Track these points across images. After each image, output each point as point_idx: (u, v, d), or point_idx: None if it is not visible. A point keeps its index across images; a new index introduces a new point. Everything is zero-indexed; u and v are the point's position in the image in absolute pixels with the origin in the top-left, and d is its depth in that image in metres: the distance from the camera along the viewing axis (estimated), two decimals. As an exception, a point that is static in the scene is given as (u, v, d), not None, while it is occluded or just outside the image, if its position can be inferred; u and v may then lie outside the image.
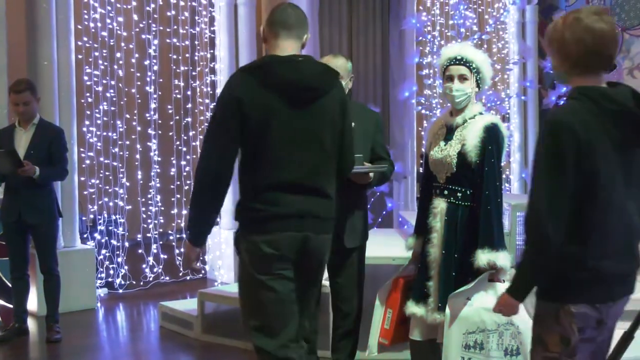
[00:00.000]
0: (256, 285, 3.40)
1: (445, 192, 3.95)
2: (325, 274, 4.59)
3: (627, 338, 2.63)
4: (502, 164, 3.94)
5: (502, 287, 3.66)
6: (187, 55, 8.43)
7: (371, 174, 4.29)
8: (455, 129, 3.95)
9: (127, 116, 8.10)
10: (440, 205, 3.96)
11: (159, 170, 8.26)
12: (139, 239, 8.21)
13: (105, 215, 8.01)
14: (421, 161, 9.88)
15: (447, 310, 3.77)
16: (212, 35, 8.34)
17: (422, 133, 9.79)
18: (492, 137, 3.82)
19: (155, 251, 8.11)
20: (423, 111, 9.05)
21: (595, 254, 2.66)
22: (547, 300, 2.74)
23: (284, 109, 3.35)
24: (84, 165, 7.66)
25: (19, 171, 5.76)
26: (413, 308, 3.99)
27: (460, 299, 3.76)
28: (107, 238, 7.88)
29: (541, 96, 10.33)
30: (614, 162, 2.65)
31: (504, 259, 3.74)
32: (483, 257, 3.74)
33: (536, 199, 2.64)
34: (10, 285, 6.31)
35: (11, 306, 6.33)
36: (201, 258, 3.85)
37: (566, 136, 2.59)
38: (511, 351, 3.71)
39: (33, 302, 6.66)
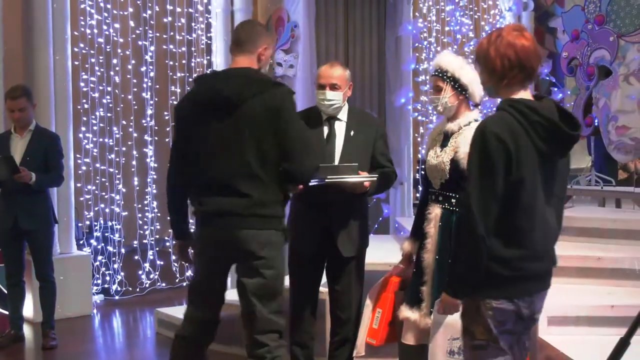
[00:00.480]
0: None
1: (440, 198, 3.96)
2: (324, 280, 4.61)
3: (623, 345, 2.63)
4: None
5: None
6: (183, 61, 8.43)
7: (366, 184, 4.29)
8: (451, 136, 3.96)
9: (124, 122, 8.10)
10: (435, 211, 3.97)
11: (155, 177, 8.25)
12: (135, 246, 8.20)
13: (102, 222, 8.00)
14: (418, 167, 9.89)
15: (433, 315, 3.79)
16: (209, 42, 8.35)
17: (419, 139, 9.79)
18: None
19: (151, 257, 8.10)
20: (419, 117, 9.06)
21: (518, 255, 2.90)
22: (470, 297, 2.97)
23: (204, 120, 3.79)
24: (80, 172, 7.65)
25: (16, 177, 5.76)
26: (406, 312, 4.00)
27: None
28: (103, 244, 7.87)
29: (537, 102, 10.33)
30: (538, 171, 2.88)
31: None
32: None
33: (469, 202, 2.85)
34: (5, 292, 6.30)
35: (7, 313, 6.32)
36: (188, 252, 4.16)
37: (495, 144, 2.80)
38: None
39: (29, 308, 6.65)
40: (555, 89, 9.29)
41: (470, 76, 3.92)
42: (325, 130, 4.46)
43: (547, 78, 9.46)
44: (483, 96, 4.03)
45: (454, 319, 3.69)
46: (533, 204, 2.89)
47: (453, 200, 3.91)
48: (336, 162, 4.37)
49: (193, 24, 8.39)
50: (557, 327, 4.47)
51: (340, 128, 4.47)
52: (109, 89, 7.90)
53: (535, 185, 2.88)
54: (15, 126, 6.08)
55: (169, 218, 4.12)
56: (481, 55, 2.98)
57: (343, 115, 4.49)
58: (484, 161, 2.83)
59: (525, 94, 2.94)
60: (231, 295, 5.31)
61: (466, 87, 3.92)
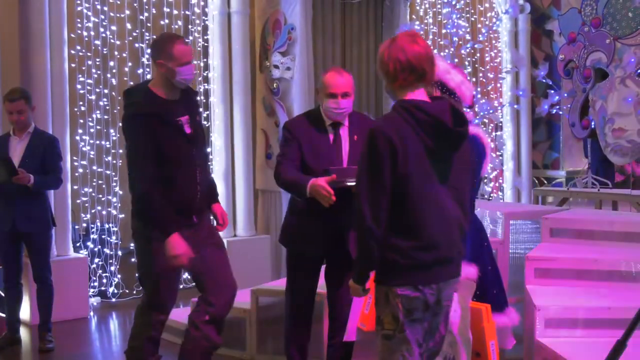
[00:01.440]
0: None
1: None
2: (322, 281, 4.62)
3: (620, 347, 2.64)
4: (481, 175, 3.93)
5: (455, 296, 3.70)
6: (180, 64, 8.42)
7: None
8: None
9: (120, 125, 8.08)
10: None
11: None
12: (132, 248, 8.18)
13: (99, 224, 7.99)
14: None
15: None
16: (206, 44, 8.35)
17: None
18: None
19: (148, 260, 8.08)
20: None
21: (414, 243, 3.12)
22: (379, 285, 3.19)
23: None
24: (77, 174, 7.64)
25: (14, 179, 5.76)
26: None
27: None
28: (100, 247, 7.85)
29: (534, 105, 10.37)
30: (429, 165, 3.12)
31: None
32: None
33: (360, 196, 3.09)
34: (2, 294, 6.29)
35: (4, 315, 6.31)
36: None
37: (382, 142, 3.05)
38: (448, 359, 3.73)
39: (26, 311, 6.65)
40: (552, 91, 9.30)
41: (456, 80, 3.94)
42: (331, 136, 4.45)
43: (544, 80, 9.47)
44: (476, 98, 4.05)
45: None
46: (425, 197, 3.12)
47: None
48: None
49: (190, 27, 8.39)
50: (553, 329, 4.47)
51: (344, 133, 4.47)
52: (106, 91, 7.89)
53: (425, 179, 3.11)
54: (14, 128, 6.08)
55: None
56: (379, 59, 3.26)
57: (344, 119, 4.48)
58: (373, 158, 3.07)
59: (419, 95, 3.17)
60: (236, 302, 5.33)
61: (453, 91, 3.93)
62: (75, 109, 7.60)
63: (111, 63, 7.90)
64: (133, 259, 7.99)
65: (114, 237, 7.93)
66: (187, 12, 8.36)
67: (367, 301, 4.20)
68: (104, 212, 7.94)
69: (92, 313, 7.26)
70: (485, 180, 10.13)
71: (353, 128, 4.47)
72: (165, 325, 6.22)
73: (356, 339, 4.27)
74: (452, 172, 3.20)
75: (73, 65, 7.49)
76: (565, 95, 8.43)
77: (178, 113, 4.31)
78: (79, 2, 7.59)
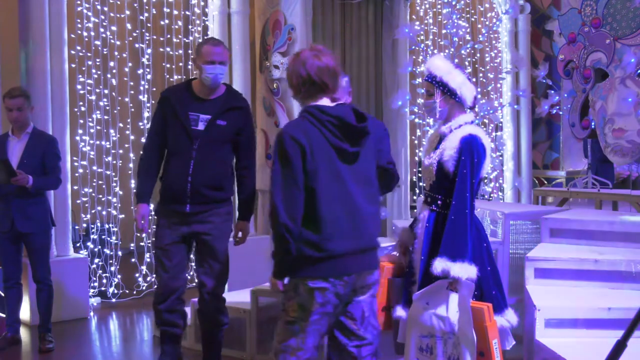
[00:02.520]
0: None
1: (429, 199, 4.02)
2: None
3: (620, 347, 2.63)
4: (481, 176, 3.93)
5: (455, 296, 3.72)
6: (180, 64, 8.43)
7: None
8: (443, 138, 4.00)
9: (121, 125, 8.10)
10: (424, 212, 4.02)
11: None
12: (132, 248, 8.20)
13: (99, 224, 8.00)
14: (415, 169, 9.91)
15: (409, 312, 3.89)
16: (206, 44, 8.35)
17: (415, 142, 9.81)
18: (466, 149, 3.83)
19: (148, 260, 8.09)
20: (416, 120, 9.07)
21: (324, 237, 3.34)
22: (291, 277, 3.42)
23: None
24: (77, 174, 7.64)
25: (12, 180, 5.76)
26: (400, 312, 4.04)
27: (420, 303, 3.84)
28: (100, 247, 7.86)
29: (534, 105, 10.37)
30: (337, 162, 3.38)
31: (459, 270, 3.72)
32: (439, 265, 3.76)
33: (274, 195, 3.34)
34: (2, 294, 6.29)
35: (3, 315, 6.31)
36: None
37: (290, 143, 3.33)
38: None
39: (26, 311, 6.65)
40: (552, 91, 9.30)
41: (458, 80, 3.96)
42: None
43: (544, 81, 9.47)
44: (476, 99, 4.06)
45: (423, 317, 3.77)
46: (333, 191, 3.37)
47: (439, 202, 3.96)
48: None
49: (190, 27, 8.40)
50: (553, 329, 4.47)
51: None
52: (106, 91, 7.90)
53: (333, 175, 3.37)
54: (13, 128, 6.08)
55: None
56: (286, 71, 3.58)
57: None
58: (283, 158, 3.34)
59: (324, 102, 3.48)
60: (230, 297, 5.33)
61: (455, 91, 3.94)
62: (75, 109, 7.60)
63: (111, 63, 7.91)
64: (133, 259, 8.04)
65: (114, 238, 7.94)
66: (187, 13, 8.37)
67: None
68: (104, 213, 7.94)
69: (92, 313, 7.26)
70: (486, 181, 10.13)
71: None
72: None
73: None
74: (362, 169, 3.46)
75: (73, 65, 7.50)
76: (565, 95, 8.42)
77: (196, 109, 4.83)
78: (79, 2, 7.59)
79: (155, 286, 5.22)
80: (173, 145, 4.89)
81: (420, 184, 9.27)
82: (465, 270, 3.72)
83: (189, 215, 4.86)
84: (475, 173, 3.83)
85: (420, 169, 4.26)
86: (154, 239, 5.16)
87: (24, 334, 6.46)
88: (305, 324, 3.40)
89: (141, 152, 5.11)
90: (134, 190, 5.03)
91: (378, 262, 3.61)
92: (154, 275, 7.94)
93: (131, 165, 8.18)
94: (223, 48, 4.91)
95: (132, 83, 8.13)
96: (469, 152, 3.83)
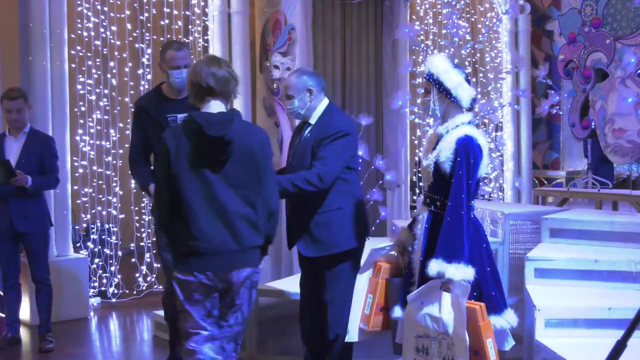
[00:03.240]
0: None
1: (428, 200, 4.01)
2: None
3: (620, 347, 2.63)
4: (479, 176, 3.92)
5: (448, 297, 3.71)
6: (180, 64, 8.42)
7: None
8: (440, 139, 3.99)
9: (121, 125, 8.09)
10: (423, 213, 4.01)
11: (152, 179, 8.23)
12: (132, 248, 8.19)
13: (99, 224, 7.99)
14: (415, 169, 9.91)
15: (405, 312, 3.91)
16: (206, 45, 8.35)
17: (415, 142, 9.81)
18: (462, 150, 3.81)
19: (148, 260, 8.09)
20: (416, 120, 9.07)
21: (189, 234, 3.68)
22: (171, 270, 3.82)
23: None
24: (77, 174, 7.64)
25: (12, 181, 5.76)
26: (397, 312, 4.04)
27: (415, 303, 3.84)
28: (100, 247, 7.86)
29: (534, 105, 10.36)
30: (204, 166, 3.68)
31: (454, 272, 3.70)
32: (434, 266, 3.75)
33: (154, 195, 3.91)
34: (2, 294, 6.29)
35: (3, 315, 6.31)
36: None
37: (163, 149, 3.73)
38: None
39: (26, 311, 6.65)
40: (552, 91, 9.30)
41: (455, 80, 3.94)
42: (297, 136, 4.72)
43: (544, 81, 9.47)
44: (475, 100, 4.05)
45: (418, 318, 3.80)
46: (199, 194, 3.67)
47: (438, 203, 3.94)
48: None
49: (190, 27, 8.39)
50: (553, 329, 4.47)
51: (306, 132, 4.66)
52: (106, 91, 7.90)
53: (199, 179, 3.67)
54: (10, 128, 6.09)
55: None
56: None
57: (313, 119, 4.64)
58: (157, 161, 3.77)
59: (211, 107, 3.80)
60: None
61: (450, 90, 3.94)
62: (76, 109, 7.60)
63: (111, 63, 7.91)
64: (133, 259, 8.04)
65: (114, 238, 7.93)
66: (187, 13, 8.37)
67: (366, 301, 4.21)
68: (104, 213, 7.94)
69: (92, 313, 7.25)
70: (486, 181, 10.13)
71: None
72: (163, 326, 6.26)
73: (359, 340, 4.28)
74: (233, 172, 3.71)
75: (73, 65, 7.50)
76: (566, 95, 8.43)
77: (172, 110, 4.93)
78: (79, 2, 7.59)
79: (161, 286, 5.25)
80: (153, 145, 4.95)
81: (420, 184, 9.27)
82: (461, 272, 3.71)
83: None
84: (471, 174, 3.82)
85: (420, 169, 4.24)
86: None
87: (24, 334, 6.46)
88: (186, 311, 3.76)
89: (129, 160, 5.15)
90: (133, 186, 5.08)
91: (251, 260, 3.82)
92: (154, 276, 7.95)
93: (131, 165, 8.17)
94: (186, 51, 5.04)
95: (132, 83, 8.13)
96: (464, 152, 3.82)
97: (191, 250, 3.70)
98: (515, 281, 5.79)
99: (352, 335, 4.24)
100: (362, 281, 4.25)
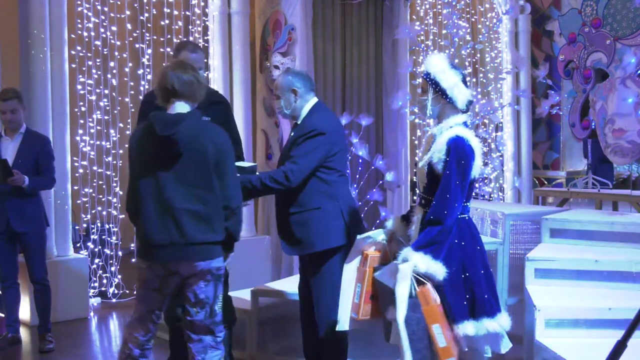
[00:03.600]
0: None
1: (423, 201, 3.99)
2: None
3: (620, 347, 2.63)
4: (471, 178, 3.91)
5: (403, 281, 3.71)
6: (180, 64, 8.42)
7: None
8: (435, 140, 3.99)
9: (121, 125, 8.09)
10: (417, 214, 4.01)
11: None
12: (132, 248, 8.19)
13: (99, 224, 8.00)
14: (414, 169, 9.90)
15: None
16: (206, 45, 8.35)
17: (415, 142, 9.81)
18: (451, 150, 3.79)
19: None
20: (416, 120, 9.07)
21: (142, 228, 4.00)
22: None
23: None
24: (77, 175, 7.64)
25: (9, 181, 5.77)
26: (392, 314, 4.02)
27: (384, 284, 3.89)
28: (100, 247, 7.86)
29: (534, 105, 10.36)
30: (155, 164, 3.95)
31: (417, 259, 3.70)
32: (403, 253, 3.77)
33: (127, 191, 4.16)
34: (1, 294, 6.30)
35: (3, 315, 6.32)
36: None
37: (129, 147, 4.10)
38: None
39: (25, 311, 6.65)
40: (552, 91, 9.30)
41: (450, 81, 3.92)
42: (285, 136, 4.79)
43: (544, 81, 9.48)
44: (472, 103, 4.05)
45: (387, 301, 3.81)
46: (149, 190, 3.95)
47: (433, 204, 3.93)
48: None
49: (190, 27, 8.39)
50: (554, 329, 4.47)
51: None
52: (106, 91, 7.90)
53: (150, 176, 3.95)
54: (6, 129, 6.10)
55: None
56: None
57: (300, 119, 4.69)
58: (129, 159, 4.09)
59: (175, 109, 4.02)
60: (236, 303, 5.34)
61: (445, 91, 3.93)
62: (76, 110, 7.61)
63: (111, 63, 7.91)
64: (133, 259, 8.02)
65: (114, 238, 7.93)
66: (187, 13, 8.37)
67: (356, 290, 4.18)
68: (104, 213, 7.94)
69: (92, 313, 7.26)
70: (486, 181, 10.13)
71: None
72: (163, 326, 6.26)
73: (350, 328, 4.26)
74: (185, 171, 3.94)
75: (73, 65, 7.50)
76: (566, 95, 8.43)
77: None
78: (79, 2, 7.59)
79: None
80: None
81: (421, 184, 9.25)
82: (425, 262, 3.69)
83: None
84: (461, 174, 3.80)
85: (416, 170, 4.23)
86: None
87: (24, 334, 6.46)
88: (141, 298, 4.11)
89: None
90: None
91: (203, 254, 3.99)
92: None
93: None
94: (200, 53, 5.05)
95: (132, 83, 8.13)
96: (455, 153, 3.80)
97: (143, 241, 4.03)
98: (516, 281, 5.79)
99: (343, 324, 4.22)
100: (351, 270, 4.24)
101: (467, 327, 3.82)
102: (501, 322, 3.92)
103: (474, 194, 4.30)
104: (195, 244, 3.97)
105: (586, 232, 5.50)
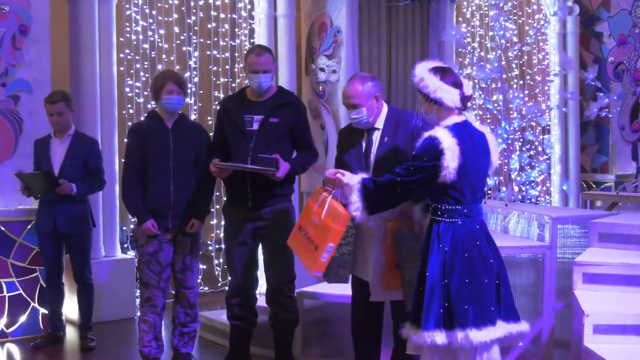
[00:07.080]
0: None
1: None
2: None
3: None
4: (447, 178, 3.92)
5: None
6: (227, 67, 8.48)
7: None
8: None
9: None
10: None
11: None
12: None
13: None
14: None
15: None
16: (252, 47, 8.39)
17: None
18: (420, 145, 3.96)
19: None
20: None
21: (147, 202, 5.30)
22: None
23: None
24: (125, 176, 7.72)
25: (57, 190, 5.88)
26: (407, 331, 4.06)
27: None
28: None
29: (582, 108, 10.23)
30: (160, 153, 5.29)
31: (349, 178, 4.07)
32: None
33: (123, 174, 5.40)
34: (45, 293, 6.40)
35: (46, 312, 6.41)
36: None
37: (132, 136, 5.43)
38: None
39: (70, 310, 6.74)
40: (601, 94, 9.17)
41: (432, 85, 4.01)
42: (364, 143, 4.66)
43: (593, 83, 9.34)
44: (466, 98, 4.05)
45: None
46: (158, 172, 5.26)
47: (439, 212, 4.00)
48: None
49: (236, 30, 8.44)
50: (602, 335, 4.41)
51: (376, 137, 4.65)
52: (154, 94, 7.97)
53: (157, 159, 5.29)
54: (55, 130, 6.19)
55: None
56: None
57: (380, 123, 4.65)
58: (127, 150, 5.40)
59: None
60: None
61: (429, 95, 3.99)
62: (124, 112, 7.69)
63: (159, 66, 7.98)
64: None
65: (161, 239, 7.98)
66: (233, 16, 8.42)
67: (325, 249, 4.12)
68: (151, 214, 8.00)
69: (138, 314, 7.32)
70: (533, 184, 10.02)
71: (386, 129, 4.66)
72: (208, 327, 6.29)
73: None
74: (179, 157, 5.25)
75: (122, 68, 7.59)
76: (615, 98, 8.31)
77: (249, 111, 5.18)
78: (127, 6, 7.68)
79: (229, 279, 5.44)
80: (233, 146, 5.20)
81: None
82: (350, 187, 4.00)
83: (252, 210, 5.17)
84: (482, 169, 3.97)
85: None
86: (222, 235, 5.68)
87: (70, 332, 6.55)
88: (140, 252, 5.34)
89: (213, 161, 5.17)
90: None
91: (185, 223, 5.29)
92: (199, 277, 8.00)
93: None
94: (267, 56, 5.11)
95: (179, 86, 8.18)
96: (420, 148, 3.96)
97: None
98: (563, 286, 5.72)
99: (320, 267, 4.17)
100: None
101: (436, 336, 3.81)
102: (491, 334, 3.86)
103: (484, 198, 4.38)
104: (183, 215, 5.40)
105: (635, 236, 5.41)
